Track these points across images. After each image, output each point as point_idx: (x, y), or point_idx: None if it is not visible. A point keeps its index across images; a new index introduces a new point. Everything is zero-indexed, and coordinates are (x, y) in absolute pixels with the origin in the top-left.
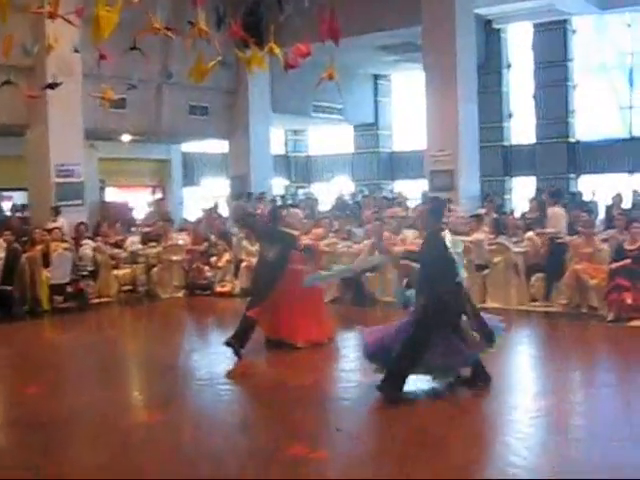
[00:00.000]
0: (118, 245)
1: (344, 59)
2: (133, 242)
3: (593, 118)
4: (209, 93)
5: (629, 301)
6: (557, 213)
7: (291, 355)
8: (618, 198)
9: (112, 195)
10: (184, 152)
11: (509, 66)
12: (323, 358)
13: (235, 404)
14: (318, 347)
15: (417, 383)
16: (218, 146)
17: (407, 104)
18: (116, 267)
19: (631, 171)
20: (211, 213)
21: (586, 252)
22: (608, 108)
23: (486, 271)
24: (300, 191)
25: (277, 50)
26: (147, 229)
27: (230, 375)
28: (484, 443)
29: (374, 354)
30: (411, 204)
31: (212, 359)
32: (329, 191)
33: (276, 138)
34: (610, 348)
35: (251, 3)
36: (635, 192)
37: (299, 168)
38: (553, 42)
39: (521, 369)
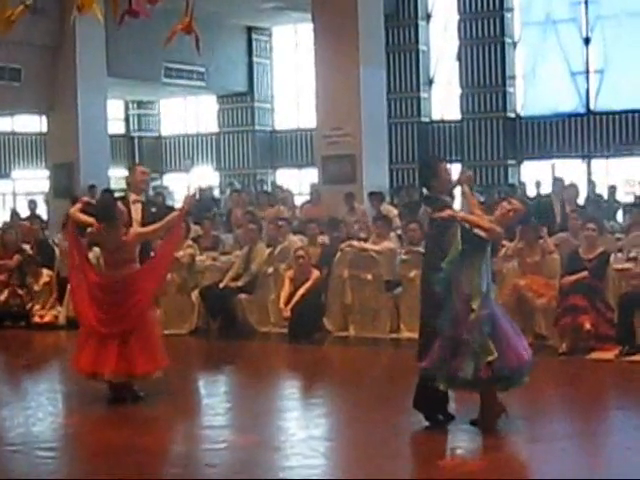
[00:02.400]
0: None
1: (207, 5)
2: None
3: (538, 86)
4: (21, 51)
5: (587, 326)
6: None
7: (137, 408)
8: (572, 191)
9: None
10: None
11: (428, 17)
12: (180, 411)
13: (59, 476)
14: (172, 397)
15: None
16: (35, 124)
17: (293, 67)
18: None
19: (587, 156)
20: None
21: (531, 262)
22: (558, 73)
23: (398, 290)
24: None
25: None
26: None
27: (53, 437)
28: None
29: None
30: (298, 201)
31: (28, 416)
32: (188, 184)
33: (115, 113)
34: (564, 389)
35: None
36: (592, 183)
37: (146, 153)
38: None
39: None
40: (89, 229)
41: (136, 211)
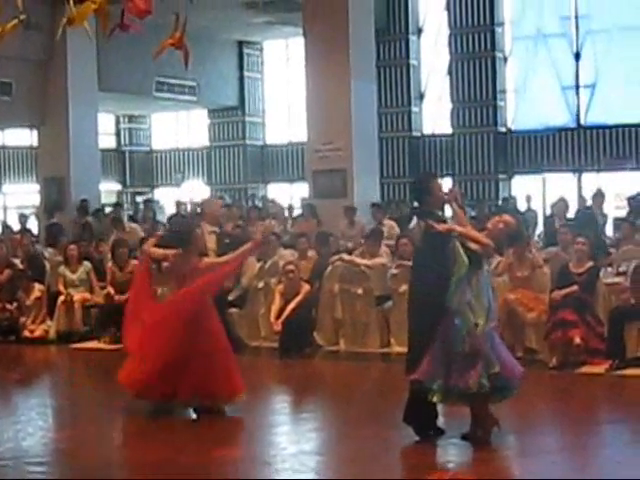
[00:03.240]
0: None
1: (198, 20)
2: None
3: (529, 101)
4: (12, 65)
5: (578, 340)
6: None
7: (126, 423)
8: (561, 205)
9: None
10: None
11: (419, 31)
12: (169, 425)
13: None
14: (162, 412)
15: None
16: (25, 137)
17: (284, 82)
18: None
19: (577, 170)
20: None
21: (521, 276)
22: (548, 88)
23: (388, 304)
24: (138, 198)
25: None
26: None
27: (43, 452)
28: None
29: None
30: (289, 216)
31: (18, 430)
32: (179, 198)
33: (106, 127)
34: (554, 403)
35: None
36: (582, 198)
37: (137, 167)
38: (476, 0)
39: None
40: (164, 264)
41: (211, 241)
